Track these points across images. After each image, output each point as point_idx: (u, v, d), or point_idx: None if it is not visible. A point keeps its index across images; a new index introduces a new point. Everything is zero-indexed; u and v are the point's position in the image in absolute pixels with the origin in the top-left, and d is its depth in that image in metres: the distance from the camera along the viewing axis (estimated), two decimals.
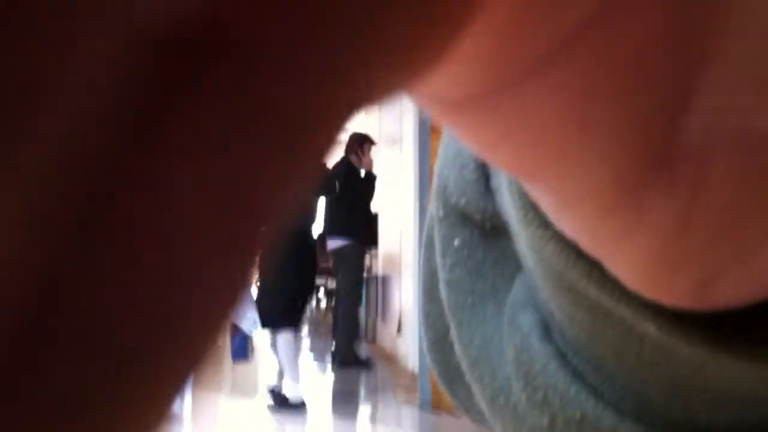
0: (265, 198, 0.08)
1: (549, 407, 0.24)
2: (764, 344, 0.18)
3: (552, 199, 0.16)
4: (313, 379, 7.68)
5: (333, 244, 7.54)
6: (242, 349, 5.06)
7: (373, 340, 9.14)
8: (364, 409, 6.39)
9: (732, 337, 0.18)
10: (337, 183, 7.33)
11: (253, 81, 0.08)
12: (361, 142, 7.55)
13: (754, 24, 0.13)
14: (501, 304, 0.27)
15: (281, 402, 5.52)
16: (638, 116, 0.14)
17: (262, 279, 5.22)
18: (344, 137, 7.57)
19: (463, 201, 0.28)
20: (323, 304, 15.80)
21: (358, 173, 7.50)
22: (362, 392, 6.98)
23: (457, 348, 0.29)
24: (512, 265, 0.27)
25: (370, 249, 8.07)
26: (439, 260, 0.30)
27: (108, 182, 0.07)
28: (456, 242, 0.29)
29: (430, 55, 0.11)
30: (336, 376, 7.42)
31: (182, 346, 0.08)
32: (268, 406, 5.63)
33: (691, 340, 0.18)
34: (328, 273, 14.16)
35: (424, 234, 0.32)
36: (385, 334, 8.78)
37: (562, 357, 0.24)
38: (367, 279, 8.38)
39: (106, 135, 0.07)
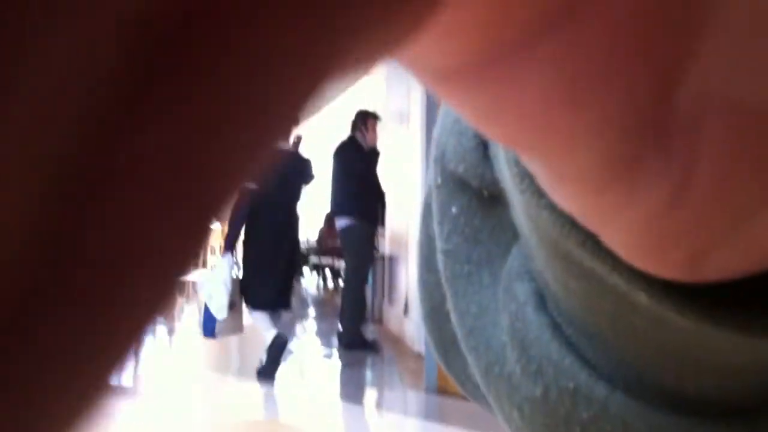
0: (223, 168, 0.09)
1: (543, 378, 0.24)
2: (755, 316, 0.18)
3: (545, 173, 0.17)
4: (319, 362, 7.62)
5: (340, 223, 7.43)
6: (210, 328, 5.76)
7: (380, 322, 9.07)
8: (370, 394, 6.31)
9: (723, 308, 0.18)
10: (344, 163, 7.20)
11: (218, 68, 0.08)
12: (364, 119, 7.46)
13: None
14: (497, 273, 0.27)
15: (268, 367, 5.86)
16: (629, 91, 0.14)
17: (246, 262, 5.66)
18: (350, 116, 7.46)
19: (461, 168, 0.28)
20: (330, 285, 15.82)
21: (365, 152, 7.39)
22: (368, 376, 6.91)
23: (453, 317, 0.29)
24: (509, 233, 0.27)
25: (378, 228, 7.93)
26: (436, 228, 0.30)
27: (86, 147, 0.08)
28: (453, 210, 0.29)
29: (405, 27, 0.11)
30: (342, 359, 7.33)
31: (137, 295, 0.09)
32: (257, 371, 5.93)
33: (682, 311, 0.19)
34: (336, 253, 14.20)
35: (422, 204, 0.33)
36: (392, 315, 8.70)
37: (557, 328, 0.24)
38: (374, 259, 8.26)
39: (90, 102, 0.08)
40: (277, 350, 5.88)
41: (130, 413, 5.05)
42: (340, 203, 7.35)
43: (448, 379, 4.67)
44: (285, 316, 5.89)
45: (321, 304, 13.44)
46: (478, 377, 0.28)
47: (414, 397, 5.66)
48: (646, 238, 0.16)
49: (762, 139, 0.14)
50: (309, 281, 17.68)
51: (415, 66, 0.15)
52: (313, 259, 16.31)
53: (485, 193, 0.28)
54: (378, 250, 8.16)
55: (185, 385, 6.37)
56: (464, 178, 0.29)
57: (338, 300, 8.16)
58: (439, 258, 0.30)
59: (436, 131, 0.31)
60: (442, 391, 5.37)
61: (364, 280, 7.70)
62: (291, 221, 6.08)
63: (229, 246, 5.80)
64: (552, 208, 0.19)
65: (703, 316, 0.18)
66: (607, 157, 0.15)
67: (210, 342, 6.37)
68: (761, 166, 0.14)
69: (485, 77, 0.14)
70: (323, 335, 9.04)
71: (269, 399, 5.87)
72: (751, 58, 0.14)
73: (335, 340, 7.78)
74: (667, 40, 0.14)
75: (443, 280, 0.30)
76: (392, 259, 8.68)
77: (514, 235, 0.27)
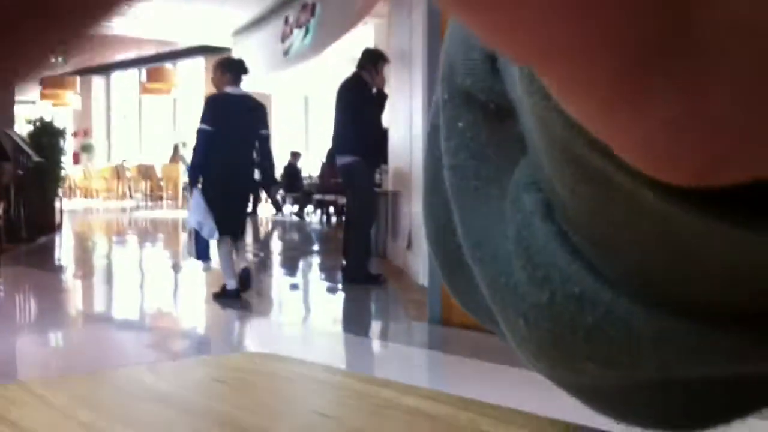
0: None
1: (549, 283, 0.24)
2: (762, 213, 0.18)
3: (555, 86, 0.16)
4: (323, 297, 7.74)
5: (342, 160, 7.45)
6: (205, 252, 6.64)
7: (384, 256, 9.17)
8: (375, 326, 6.44)
9: (732, 206, 0.18)
10: (349, 102, 7.19)
11: None
12: (375, 60, 7.36)
13: None
14: (504, 188, 0.27)
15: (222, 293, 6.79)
16: (643, 6, 0.14)
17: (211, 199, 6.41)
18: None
19: (468, 81, 0.28)
20: (333, 221, 15.89)
21: (370, 90, 7.34)
22: (373, 309, 7.03)
23: (460, 232, 0.29)
24: (516, 147, 0.27)
25: (380, 166, 7.96)
26: (443, 144, 0.30)
27: None
28: (460, 124, 0.29)
29: None
30: (346, 294, 7.46)
31: None
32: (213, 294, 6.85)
33: (689, 209, 0.18)
34: (338, 190, 14.25)
35: (428, 124, 0.33)
36: (396, 249, 8.81)
37: (564, 235, 0.24)
38: (377, 195, 8.32)
39: None
40: (247, 279, 6.81)
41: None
42: (343, 142, 7.32)
43: (452, 311, 4.77)
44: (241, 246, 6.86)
45: (325, 239, 13.54)
46: (483, 289, 0.28)
47: (418, 328, 5.77)
48: (657, 150, 0.16)
49: None
50: (313, 217, 17.76)
51: None
52: (317, 195, 16.38)
53: (492, 106, 0.28)
54: (380, 186, 8.21)
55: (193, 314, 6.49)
56: (472, 92, 0.29)
57: (341, 236, 8.24)
58: (446, 174, 0.30)
59: (443, 48, 0.31)
60: (446, 322, 5.45)
61: (369, 217, 7.74)
62: (249, 160, 6.69)
63: (194, 181, 6.53)
64: (561, 109, 0.19)
65: (709, 213, 0.18)
66: (618, 72, 0.15)
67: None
68: None
69: None
70: (327, 270, 9.19)
71: (273, 331, 6.01)
72: None
73: (340, 275, 7.92)
74: None
75: (450, 195, 0.30)
76: (395, 195, 8.74)
77: (521, 149, 0.27)
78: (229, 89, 6.48)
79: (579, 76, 0.15)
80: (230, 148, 6.40)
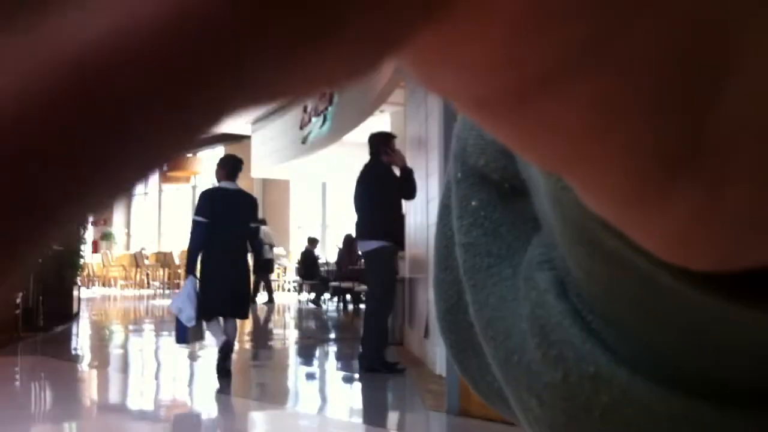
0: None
1: (563, 362, 0.24)
2: None
3: (577, 186, 0.17)
4: (340, 386, 7.64)
5: (365, 247, 7.42)
6: (184, 336, 7.08)
7: (401, 344, 9.09)
8: (393, 416, 6.34)
9: (748, 287, 0.18)
10: (374, 184, 7.21)
11: None
12: (385, 140, 7.40)
13: None
14: (517, 266, 0.27)
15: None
16: (661, 119, 0.14)
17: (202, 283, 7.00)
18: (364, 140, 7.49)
19: (482, 161, 0.29)
20: (350, 308, 15.81)
21: (392, 172, 7.35)
22: (390, 398, 6.93)
23: (472, 310, 0.29)
24: (529, 226, 0.28)
25: (401, 250, 7.92)
26: (455, 223, 0.30)
27: None
28: (474, 203, 0.29)
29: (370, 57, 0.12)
30: (363, 383, 7.36)
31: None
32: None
33: (706, 290, 0.18)
34: (355, 277, 14.21)
35: (439, 204, 0.33)
36: (413, 337, 8.73)
37: (578, 314, 0.24)
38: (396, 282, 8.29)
39: None
40: (225, 351, 7.20)
41: None
42: (368, 227, 7.28)
43: (470, 401, 4.67)
44: (230, 324, 7.22)
45: (342, 327, 13.46)
46: (495, 368, 0.28)
47: (436, 419, 5.69)
48: (675, 245, 0.16)
49: None
50: (330, 305, 17.68)
51: (451, 95, 0.15)
52: (333, 283, 16.34)
53: (506, 185, 0.29)
54: (397, 273, 8.18)
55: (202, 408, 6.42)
56: (485, 172, 0.29)
57: (358, 323, 8.18)
58: (458, 252, 0.30)
59: (456, 128, 0.31)
60: (464, 412, 5.36)
61: (389, 304, 7.67)
62: (240, 249, 7.23)
63: (190, 269, 7.10)
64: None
65: (726, 294, 0.18)
66: (637, 178, 0.15)
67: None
68: None
69: (517, 108, 0.15)
70: (344, 359, 9.09)
71: (289, 422, 5.91)
72: None
73: (356, 364, 7.82)
74: (700, 70, 0.14)
75: (462, 273, 0.30)
76: (412, 282, 8.71)
77: (534, 227, 0.27)
78: (224, 183, 7.09)
79: (601, 181, 0.16)
80: (222, 238, 6.93)
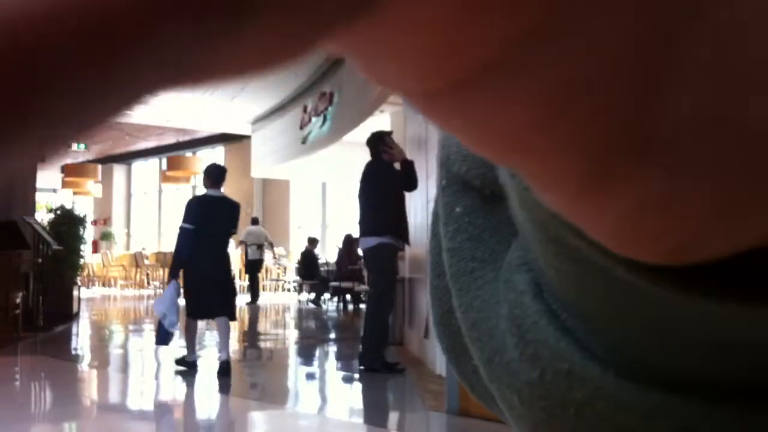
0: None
1: (539, 361, 0.25)
2: (733, 285, 0.18)
3: (528, 179, 0.17)
4: (340, 386, 7.64)
5: (366, 243, 7.42)
6: (165, 338, 7.62)
7: (401, 344, 9.09)
8: (393, 416, 6.33)
9: (702, 277, 0.18)
10: (377, 180, 7.21)
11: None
12: (382, 138, 7.39)
13: (737, 12, 0.13)
14: (499, 269, 0.28)
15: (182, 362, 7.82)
16: (606, 112, 0.14)
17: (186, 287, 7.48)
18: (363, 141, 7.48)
19: (464, 168, 0.30)
20: (350, 308, 15.80)
21: (394, 168, 7.35)
22: (390, 398, 6.93)
23: (458, 313, 0.30)
24: (510, 231, 0.28)
25: (404, 246, 7.90)
26: (441, 228, 0.31)
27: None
28: (458, 209, 0.30)
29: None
30: (363, 383, 7.36)
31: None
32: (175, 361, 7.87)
33: (660, 281, 0.19)
34: (355, 277, 14.20)
35: (432, 212, 0.34)
36: (413, 337, 8.72)
37: (553, 314, 0.25)
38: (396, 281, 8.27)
39: None
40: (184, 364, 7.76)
41: None
42: (370, 224, 7.28)
43: (470, 401, 4.67)
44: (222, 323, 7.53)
45: (341, 327, 13.45)
46: (481, 369, 0.28)
47: (436, 419, 5.69)
48: (625, 237, 0.17)
49: (748, 154, 0.15)
50: (329, 305, 17.68)
51: (398, 88, 0.15)
52: (333, 283, 16.33)
53: (487, 192, 0.29)
54: (397, 273, 8.16)
55: (205, 408, 6.41)
56: (467, 179, 0.30)
57: (358, 323, 8.18)
58: (444, 256, 0.31)
59: (441, 135, 0.32)
60: (464, 412, 5.36)
61: (389, 303, 7.66)
62: (224, 252, 7.73)
63: (173, 275, 7.55)
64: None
65: (680, 286, 0.18)
66: (584, 170, 0.15)
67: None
68: (747, 178, 0.15)
69: (461, 98, 0.15)
70: (344, 358, 9.09)
71: (289, 422, 5.92)
72: (729, 80, 0.14)
73: (356, 364, 7.82)
74: (645, 65, 0.14)
75: (448, 278, 0.31)
76: (412, 282, 8.71)
77: (514, 232, 0.28)
78: (209, 191, 7.57)
79: (549, 173, 0.16)
80: (207, 243, 7.36)
